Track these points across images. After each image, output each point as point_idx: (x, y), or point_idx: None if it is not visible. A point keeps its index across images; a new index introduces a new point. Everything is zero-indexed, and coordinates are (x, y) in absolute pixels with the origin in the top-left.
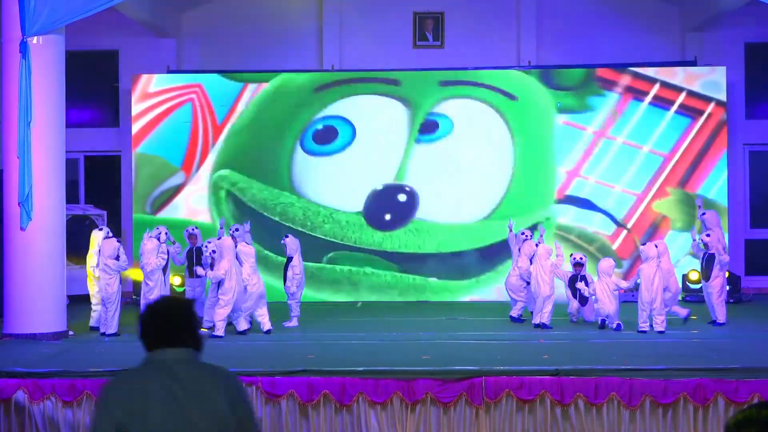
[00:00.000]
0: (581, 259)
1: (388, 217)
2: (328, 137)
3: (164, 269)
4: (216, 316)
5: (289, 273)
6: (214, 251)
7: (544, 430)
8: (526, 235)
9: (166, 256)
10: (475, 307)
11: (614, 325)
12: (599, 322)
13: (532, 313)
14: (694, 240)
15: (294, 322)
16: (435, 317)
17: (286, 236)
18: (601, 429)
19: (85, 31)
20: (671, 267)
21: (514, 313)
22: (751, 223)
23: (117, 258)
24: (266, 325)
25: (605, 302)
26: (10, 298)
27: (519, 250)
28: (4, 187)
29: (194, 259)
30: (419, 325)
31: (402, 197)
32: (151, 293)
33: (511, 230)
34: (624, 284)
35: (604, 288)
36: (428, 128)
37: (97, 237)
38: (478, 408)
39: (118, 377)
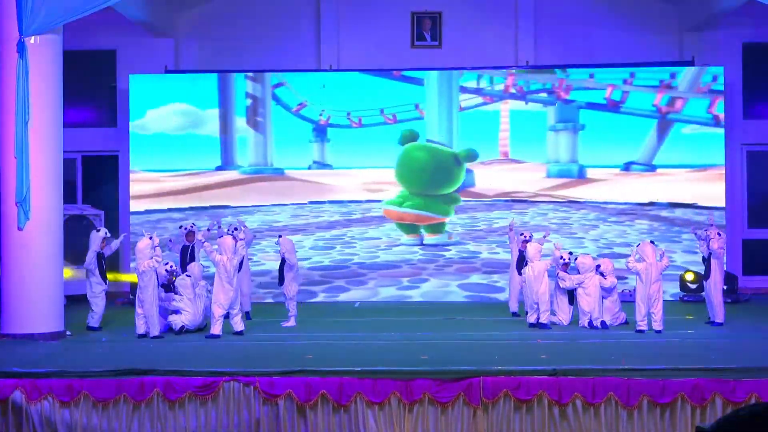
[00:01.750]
0: (568, 259)
1: None
2: None
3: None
4: (212, 315)
5: (285, 273)
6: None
7: (542, 430)
8: (525, 236)
9: (160, 258)
10: (473, 307)
11: (598, 323)
12: (587, 323)
13: (527, 312)
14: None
15: (292, 322)
16: (433, 317)
17: (280, 236)
18: (599, 429)
19: (83, 31)
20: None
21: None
22: (749, 223)
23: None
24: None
25: (589, 300)
26: (8, 298)
27: (522, 252)
28: (2, 187)
29: (188, 255)
30: (417, 325)
31: None
32: (145, 293)
33: (511, 230)
34: (606, 283)
35: (589, 285)
36: None
37: (95, 238)
38: (475, 408)
39: None
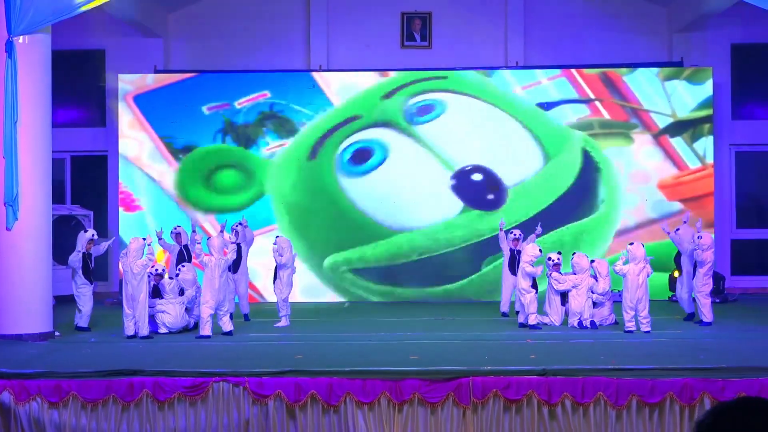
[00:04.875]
0: (557, 259)
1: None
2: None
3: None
4: (200, 316)
5: (280, 273)
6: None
7: (531, 430)
8: (516, 235)
9: (154, 258)
10: (463, 307)
11: (587, 324)
12: (576, 324)
13: (517, 313)
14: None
15: (284, 322)
16: (422, 317)
17: (277, 237)
18: (588, 429)
19: (72, 31)
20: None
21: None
22: (737, 224)
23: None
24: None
25: (580, 300)
26: None
27: (514, 251)
28: None
29: (184, 257)
30: (407, 325)
31: None
32: (137, 293)
33: (501, 229)
34: (599, 288)
35: (582, 285)
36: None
37: (82, 239)
38: (465, 408)
39: None
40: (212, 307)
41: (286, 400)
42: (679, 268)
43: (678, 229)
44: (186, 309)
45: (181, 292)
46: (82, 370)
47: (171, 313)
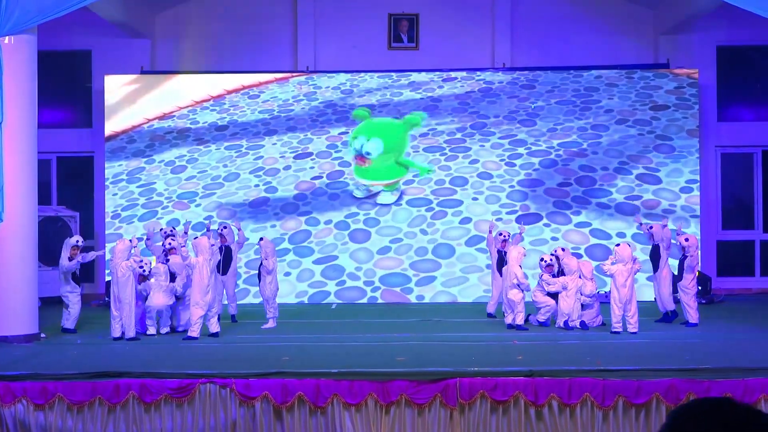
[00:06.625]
0: (550, 260)
1: None
2: None
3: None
4: (191, 317)
5: (263, 275)
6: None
7: (518, 431)
8: (504, 236)
9: (138, 258)
10: (450, 309)
11: (577, 324)
12: (563, 324)
13: (505, 314)
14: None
15: (271, 324)
16: (410, 319)
17: (261, 239)
18: (575, 429)
19: (58, 31)
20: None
21: (520, 320)
22: (723, 225)
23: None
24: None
25: (569, 301)
26: None
27: (502, 252)
28: None
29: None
30: (394, 327)
31: None
32: (123, 294)
33: (491, 231)
34: (587, 289)
35: (572, 286)
36: None
37: (67, 245)
38: (452, 409)
39: None
40: (203, 308)
41: (273, 401)
42: (655, 265)
43: (651, 227)
44: (177, 298)
45: (173, 279)
46: (68, 372)
47: (159, 294)
